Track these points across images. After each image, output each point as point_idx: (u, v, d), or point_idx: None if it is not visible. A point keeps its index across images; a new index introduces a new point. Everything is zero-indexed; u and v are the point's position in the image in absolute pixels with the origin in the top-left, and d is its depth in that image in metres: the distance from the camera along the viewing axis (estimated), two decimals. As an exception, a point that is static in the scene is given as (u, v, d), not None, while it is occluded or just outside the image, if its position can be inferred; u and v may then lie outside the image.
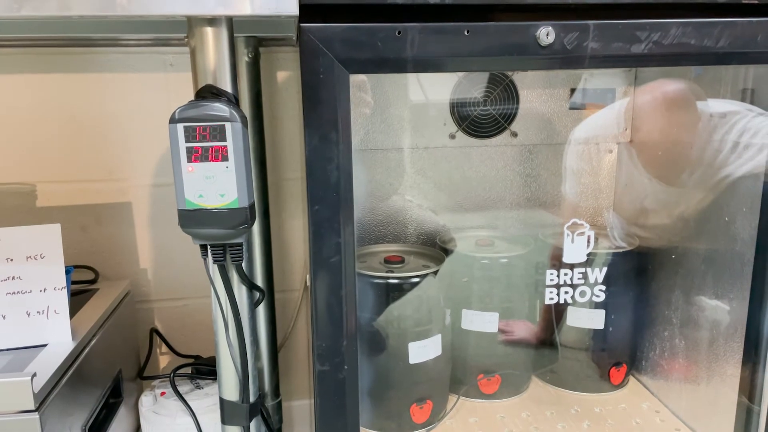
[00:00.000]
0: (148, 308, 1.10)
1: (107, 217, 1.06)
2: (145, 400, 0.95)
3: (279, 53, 1.04)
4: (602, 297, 0.83)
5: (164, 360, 1.12)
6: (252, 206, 0.60)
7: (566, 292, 0.82)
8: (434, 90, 1.00)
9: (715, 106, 0.85)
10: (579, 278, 0.81)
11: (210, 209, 0.58)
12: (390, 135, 1.00)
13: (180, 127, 0.57)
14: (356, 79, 0.96)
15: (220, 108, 0.57)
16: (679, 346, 0.93)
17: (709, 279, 0.86)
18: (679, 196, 0.93)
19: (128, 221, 1.07)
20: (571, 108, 1.02)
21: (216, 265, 0.63)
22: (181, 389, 0.94)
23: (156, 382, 0.99)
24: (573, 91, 1.02)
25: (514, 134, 1.02)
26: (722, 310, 0.84)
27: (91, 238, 1.06)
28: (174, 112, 0.57)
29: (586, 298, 0.83)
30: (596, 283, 0.82)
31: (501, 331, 0.98)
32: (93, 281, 1.00)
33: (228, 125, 0.57)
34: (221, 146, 0.57)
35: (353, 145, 1.00)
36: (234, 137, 0.57)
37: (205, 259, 0.63)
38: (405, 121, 1.00)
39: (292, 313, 1.14)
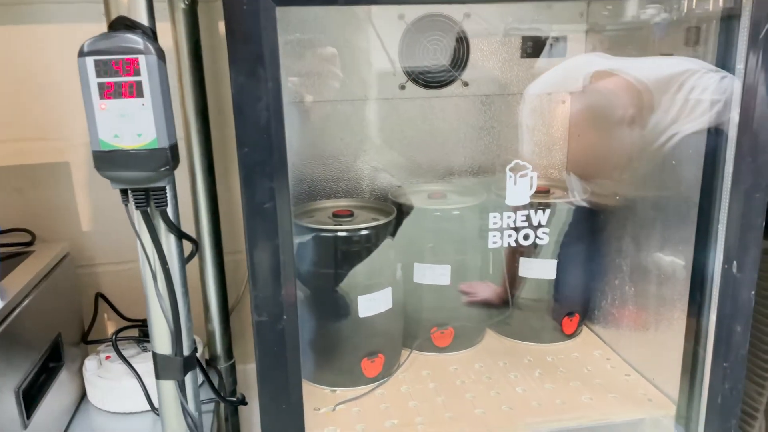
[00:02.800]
0: (92, 272, 1.06)
1: (44, 179, 1.01)
2: (89, 365, 0.92)
3: (219, 2, 0.99)
4: (545, 239, 0.82)
5: (112, 325, 1.09)
6: (174, 147, 0.57)
7: (509, 236, 0.80)
8: (382, 39, 0.97)
9: (672, 65, 0.83)
10: (522, 221, 0.80)
11: (127, 150, 0.55)
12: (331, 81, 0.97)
13: (89, 60, 0.53)
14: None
15: (134, 40, 0.53)
16: (629, 293, 0.93)
17: (658, 225, 0.86)
18: (630, 147, 0.93)
19: (66, 182, 1.02)
20: (523, 57, 1.00)
21: (139, 212, 0.59)
22: (127, 353, 0.92)
23: (102, 347, 0.96)
24: (524, 39, 1.00)
25: (465, 84, 0.99)
26: (669, 254, 0.84)
27: (27, 200, 1.01)
28: (83, 45, 0.53)
29: (530, 242, 0.82)
30: (539, 225, 0.81)
31: (463, 292, 0.97)
32: (29, 244, 0.96)
33: (142, 58, 0.53)
34: (135, 81, 0.53)
35: (301, 96, 0.97)
36: (149, 71, 0.53)
37: (126, 206, 0.59)
38: (352, 71, 0.97)
39: (244, 274, 1.11)
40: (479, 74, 1.00)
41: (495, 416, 0.82)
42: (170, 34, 0.91)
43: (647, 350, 0.91)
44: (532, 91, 1.03)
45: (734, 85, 0.71)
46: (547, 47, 1.01)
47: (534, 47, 1.00)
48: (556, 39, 1.00)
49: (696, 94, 0.78)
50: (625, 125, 0.92)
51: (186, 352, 0.65)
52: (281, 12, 0.83)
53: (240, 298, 1.11)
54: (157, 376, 0.65)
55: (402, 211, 0.93)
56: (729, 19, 0.71)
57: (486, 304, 1.01)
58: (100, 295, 1.05)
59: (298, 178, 1.01)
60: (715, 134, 0.74)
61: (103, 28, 0.96)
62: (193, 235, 0.90)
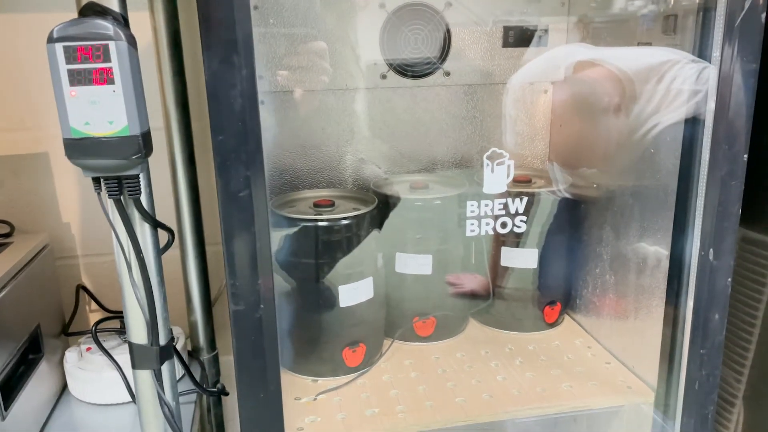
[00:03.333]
0: (73, 264, 1.06)
1: (23, 169, 1.00)
2: (70, 356, 0.92)
3: (199, -9, 0.98)
4: (522, 227, 0.83)
5: (94, 317, 1.08)
6: (146, 134, 0.57)
7: (487, 224, 0.81)
8: (363, 28, 0.96)
9: (654, 55, 0.83)
10: (500, 209, 0.80)
11: (98, 138, 0.54)
12: (320, 75, 0.97)
13: (59, 47, 0.52)
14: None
15: (104, 26, 0.53)
16: (609, 282, 0.94)
17: (636, 212, 0.86)
18: (612, 136, 0.93)
19: (46, 173, 1.01)
20: (505, 46, 1.00)
21: (112, 201, 0.59)
22: (108, 344, 0.92)
23: (83, 339, 0.96)
24: (506, 29, 0.99)
25: (447, 73, 0.99)
26: (648, 242, 0.84)
27: (6, 191, 1.00)
28: (52, 31, 0.53)
29: (507, 230, 0.82)
30: (517, 213, 0.81)
31: (450, 284, 0.97)
32: (8, 235, 0.95)
33: (112, 44, 0.53)
34: (106, 68, 0.53)
35: (282, 86, 0.96)
36: (120, 58, 0.53)
37: (98, 194, 0.59)
38: (333, 60, 0.96)
39: (227, 265, 1.10)
40: (461, 64, 1.00)
41: (476, 404, 0.83)
42: (149, 23, 0.90)
43: (627, 338, 0.92)
44: (515, 81, 1.03)
45: (712, 74, 0.71)
46: (531, 38, 1.00)
47: (516, 37, 1.00)
48: (539, 29, 1.00)
49: (677, 84, 0.78)
50: (607, 115, 0.92)
51: (162, 341, 0.65)
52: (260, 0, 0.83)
53: (222, 289, 1.11)
54: (134, 366, 0.65)
55: (384, 202, 0.93)
56: (706, 9, 0.71)
57: (472, 295, 1.02)
58: (81, 287, 1.04)
59: (279, 168, 1.01)
60: (692, 123, 0.75)
61: (80, 16, 0.96)
62: (174, 226, 0.90)
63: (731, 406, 0.94)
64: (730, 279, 0.76)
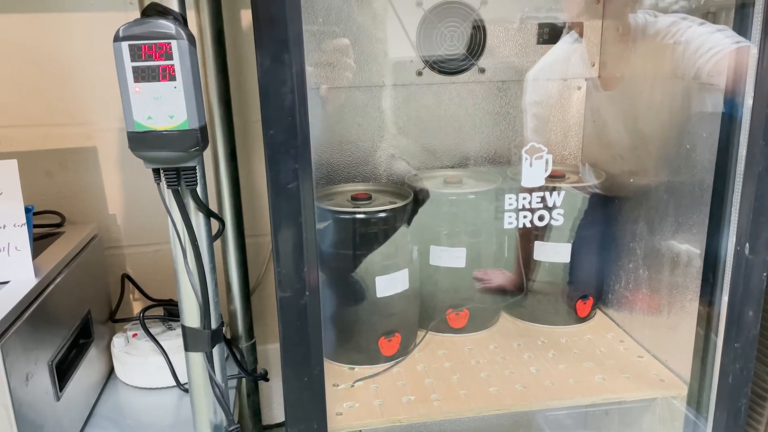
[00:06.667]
0: (119, 254, 1.10)
1: (72, 162, 1.05)
2: (117, 342, 0.96)
3: (242, -10, 1.02)
4: (560, 221, 0.84)
5: (138, 306, 1.13)
6: (203, 129, 0.60)
7: (525, 216, 0.82)
8: (399, 26, 0.98)
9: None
10: (537, 202, 0.82)
11: (160, 131, 0.57)
12: (355, 72, 0.99)
13: (125, 45, 0.55)
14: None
15: (166, 25, 0.56)
16: (642, 277, 0.95)
17: (671, 208, 0.87)
18: (643, 122, 0.93)
19: (94, 166, 1.05)
20: (539, 43, 1.01)
21: (170, 190, 0.62)
22: (153, 331, 0.95)
23: (128, 325, 1.00)
24: (540, 26, 1.01)
25: (482, 70, 1.01)
26: (683, 237, 0.85)
27: (56, 183, 1.05)
28: (118, 30, 0.56)
29: (545, 222, 0.84)
30: (554, 206, 0.83)
31: (478, 279, 0.99)
32: (59, 225, 1.00)
33: (174, 43, 0.56)
34: (168, 65, 0.56)
35: (319, 83, 0.99)
36: (181, 56, 0.56)
37: (158, 184, 0.62)
38: (370, 57, 0.99)
39: (265, 257, 1.14)
40: (496, 60, 1.01)
41: (509, 394, 0.84)
42: (194, 21, 0.93)
43: (660, 333, 0.92)
44: (534, 75, 1.04)
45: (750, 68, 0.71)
46: (564, 32, 1.02)
47: (550, 34, 1.01)
48: (573, 24, 1.01)
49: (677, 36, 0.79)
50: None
51: (213, 325, 0.68)
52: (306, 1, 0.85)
53: (260, 279, 1.15)
54: (187, 348, 0.68)
55: (418, 196, 0.95)
56: (743, 5, 0.72)
57: (500, 291, 1.03)
58: (126, 276, 1.09)
59: (317, 163, 1.02)
60: (728, 118, 0.75)
61: (127, 17, 1.00)
62: (216, 217, 0.93)
63: (763, 401, 0.95)
64: (765, 274, 0.76)
